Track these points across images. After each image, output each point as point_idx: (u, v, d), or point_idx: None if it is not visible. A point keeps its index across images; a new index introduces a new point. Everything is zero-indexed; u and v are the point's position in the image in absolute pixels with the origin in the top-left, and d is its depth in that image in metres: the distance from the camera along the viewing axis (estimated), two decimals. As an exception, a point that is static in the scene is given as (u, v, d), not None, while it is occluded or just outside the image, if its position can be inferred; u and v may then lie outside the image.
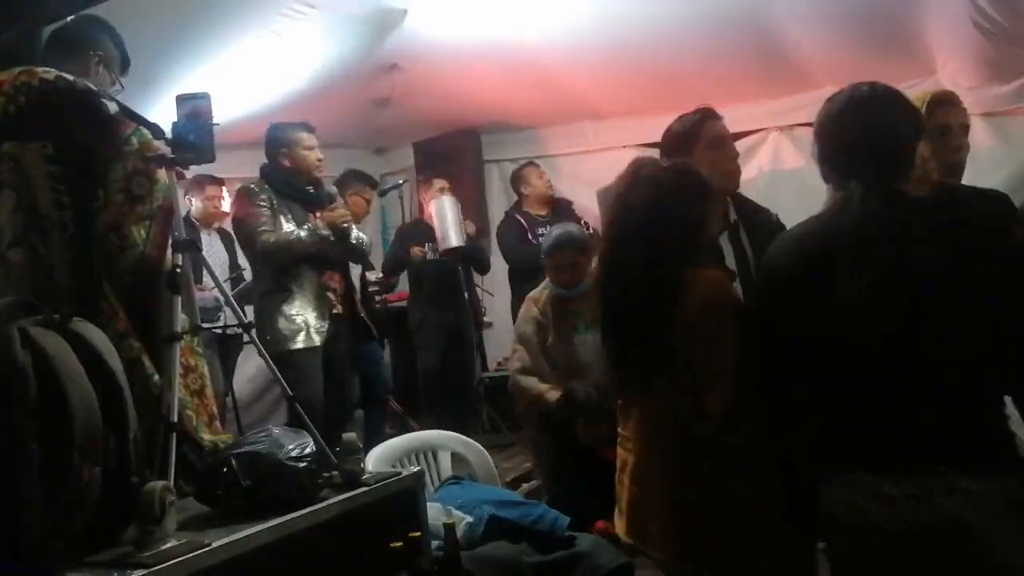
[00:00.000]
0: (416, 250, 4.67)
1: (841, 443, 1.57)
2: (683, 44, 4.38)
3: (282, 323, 3.34)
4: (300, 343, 3.35)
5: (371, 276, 4.61)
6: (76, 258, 1.86)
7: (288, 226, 3.43)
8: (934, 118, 2.13)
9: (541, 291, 3.13)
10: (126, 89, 2.26)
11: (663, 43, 4.39)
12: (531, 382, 3.02)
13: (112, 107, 1.95)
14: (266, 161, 3.60)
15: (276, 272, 3.43)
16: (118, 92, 2.21)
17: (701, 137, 2.35)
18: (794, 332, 1.62)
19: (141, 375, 1.84)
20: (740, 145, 4.49)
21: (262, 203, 3.44)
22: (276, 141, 3.60)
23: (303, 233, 3.40)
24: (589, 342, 2.87)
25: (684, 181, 1.89)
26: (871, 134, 1.63)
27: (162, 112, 3.08)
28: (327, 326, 3.44)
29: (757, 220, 2.27)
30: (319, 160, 3.67)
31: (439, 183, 4.80)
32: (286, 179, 3.54)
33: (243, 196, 3.50)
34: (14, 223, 1.85)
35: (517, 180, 5.07)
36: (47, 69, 1.93)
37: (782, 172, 5.00)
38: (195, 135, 1.87)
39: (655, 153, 5.20)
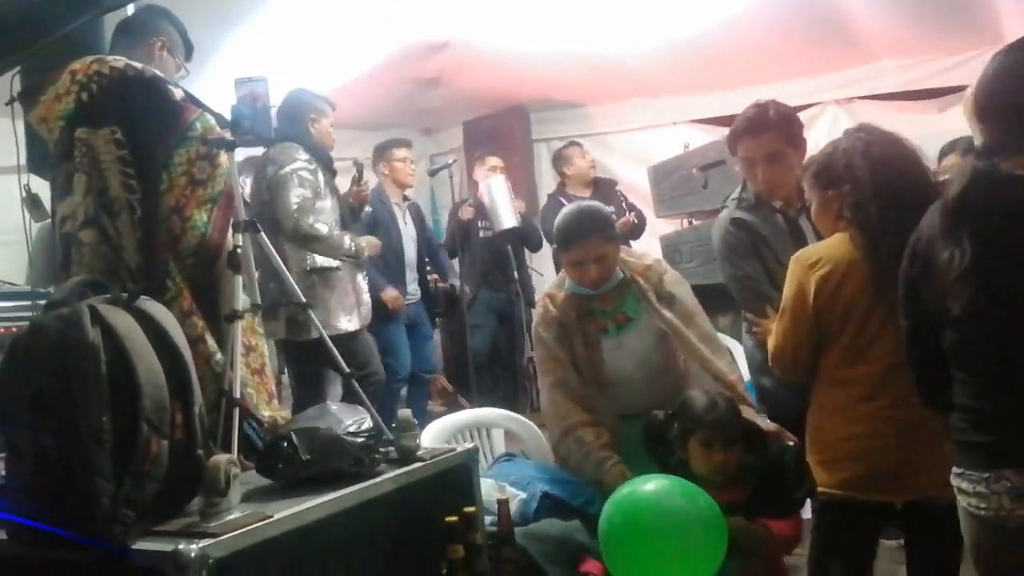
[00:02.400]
0: (464, 209, 4.62)
1: (983, 436, 1.52)
2: (735, 18, 4.30)
3: (334, 303, 3.31)
4: (355, 323, 3.36)
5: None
6: (143, 239, 1.93)
7: (331, 207, 3.33)
8: None
9: (559, 287, 2.42)
10: (190, 73, 2.32)
11: (714, 18, 4.32)
12: (568, 409, 2.26)
13: (178, 93, 2.01)
14: (280, 125, 3.15)
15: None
16: (183, 77, 2.28)
17: (736, 151, 2.40)
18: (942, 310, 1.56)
19: (204, 353, 1.90)
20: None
21: (309, 170, 3.27)
22: (307, 106, 3.43)
23: (347, 241, 3.33)
24: (624, 347, 2.33)
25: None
26: None
27: (213, 89, 3.15)
28: (369, 304, 3.47)
29: None
30: (334, 140, 3.58)
31: (492, 161, 4.79)
32: (317, 148, 3.40)
33: (289, 162, 3.27)
34: (86, 205, 1.93)
35: (559, 160, 5.04)
36: (117, 58, 2.01)
37: (838, 147, 4.88)
38: (252, 118, 1.91)
39: (707, 130, 5.22)
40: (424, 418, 4.58)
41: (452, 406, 5.54)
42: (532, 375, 5.24)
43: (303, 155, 3.28)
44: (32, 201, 3.04)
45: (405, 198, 4.58)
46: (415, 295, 4.47)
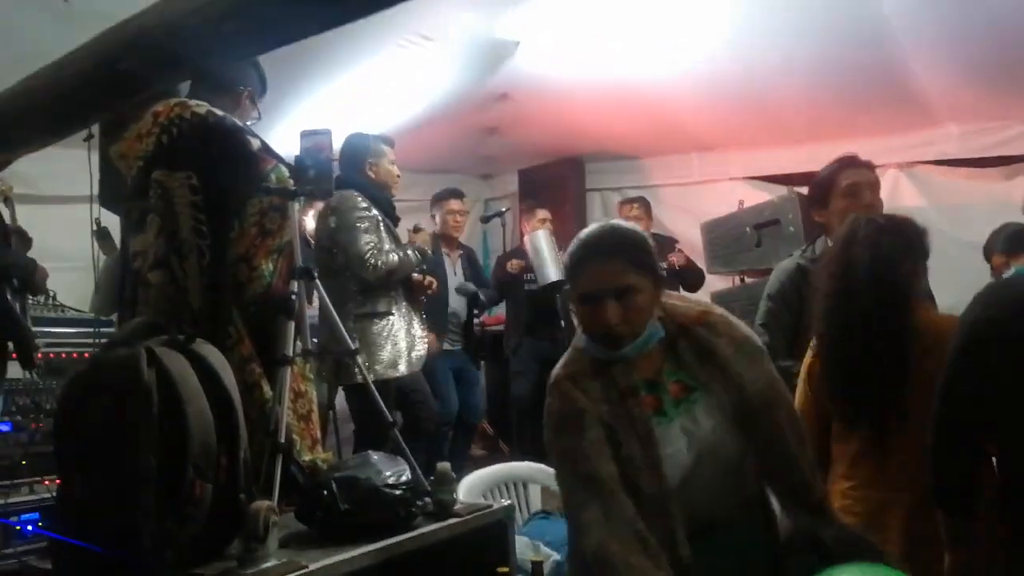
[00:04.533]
0: (511, 264, 4.69)
1: None
2: (796, 79, 4.29)
3: (386, 350, 3.34)
4: (403, 369, 3.38)
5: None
6: (209, 284, 1.96)
7: (391, 243, 3.41)
8: None
9: (574, 360, 1.66)
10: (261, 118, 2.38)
11: (775, 77, 4.31)
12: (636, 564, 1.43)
13: (255, 143, 2.06)
14: (341, 172, 3.32)
15: (373, 294, 3.37)
16: (256, 121, 2.32)
17: (836, 185, 2.36)
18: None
19: (259, 399, 1.94)
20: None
21: (368, 217, 3.35)
22: (363, 150, 3.47)
23: (410, 252, 3.41)
24: (692, 431, 1.57)
25: (899, 236, 1.90)
26: None
27: (279, 136, 3.26)
28: (424, 349, 3.49)
29: None
30: (398, 176, 3.60)
31: (540, 214, 4.83)
32: (376, 192, 3.45)
33: (350, 210, 3.37)
34: (157, 246, 1.97)
35: (619, 209, 5.06)
36: (200, 103, 2.04)
37: (899, 210, 4.75)
38: (315, 169, 1.97)
39: (762, 187, 5.19)
40: (466, 463, 4.62)
41: (492, 450, 5.54)
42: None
43: (362, 202, 3.36)
44: (102, 235, 3.19)
45: (459, 246, 4.63)
46: (459, 343, 4.49)
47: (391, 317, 3.36)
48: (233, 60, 1.98)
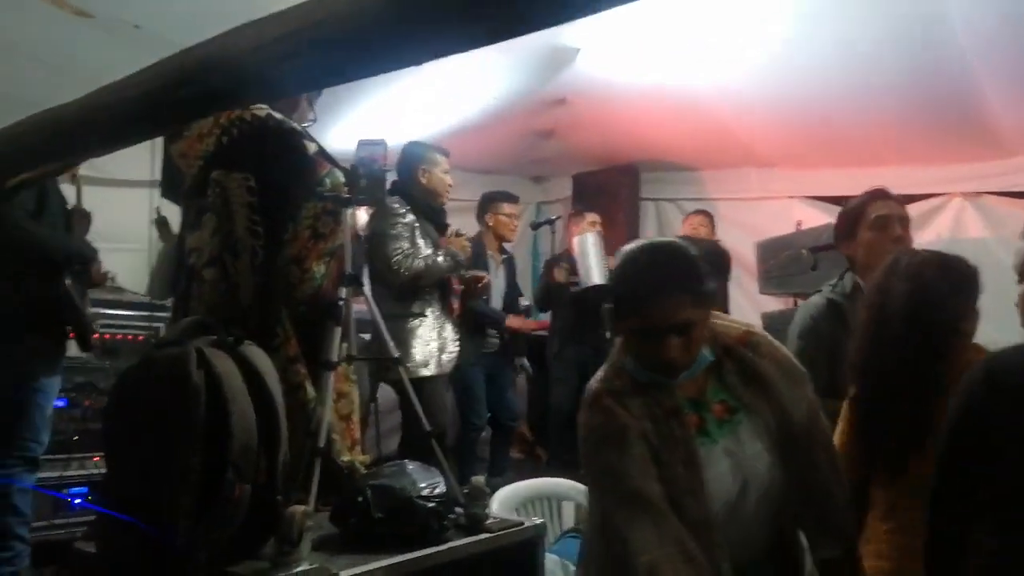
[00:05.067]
0: (558, 271, 4.68)
1: None
2: (863, 101, 4.18)
3: (416, 348, 3.39)
4: (432, 370, 3.41)
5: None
6: (261, 283, 2.01)
7: (426, 249, 3.46)
8: None
9: (615, 375, 1.58)
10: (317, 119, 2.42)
11: (840, 98, 4.21)
12: None
13: (312, 147, 2.09)
14: (397, 178, 3.49)
15: (405, 295, 3.44)
16: (312, 123, 2.35)
17: (865, 217, 2.32)
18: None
19: (302, 399, 1.97)
20: (916, 208, 4.25)
21: (403, 223, 3.43)
22: (416, 158, 3.57)
23: (440, 258, 3.46)
24: (738, 455, 1.51)
25: (944, 272, 1.82)
26: None
27: (335, 137, 3.30)
28: (456, 352, 3.52)
29: None
30: (451, 186, 3.67)
31: (589, 217, 4.80)
32: (424, 198, 3.53)
33: (384, 215, 3.47)
34: (212, 244, 2.02)
35: (684, 221, 5.02)
36: (260, 106, 2.07)
37: (962, 241, 4.66)
38: (368, 179, 1.99)
39: (820, 207, 5.08)
40: (507, 465, 4.64)
41: (529, 455, 5.55)
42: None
43: (400, 208, 3.44)
44: (161, 224, 3.28)
45: (502, 251, 4.65)
46: (495, 346, 4.50)
47: (423, 318, 3.41)
48: (290, 95, 2.03)
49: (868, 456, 1.87)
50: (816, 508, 1.53)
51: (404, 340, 3.34)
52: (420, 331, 3.40)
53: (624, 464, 1.43)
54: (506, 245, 4.65)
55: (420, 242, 3.46)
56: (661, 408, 1.50)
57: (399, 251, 3.36)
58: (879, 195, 2.38)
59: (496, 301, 4.51)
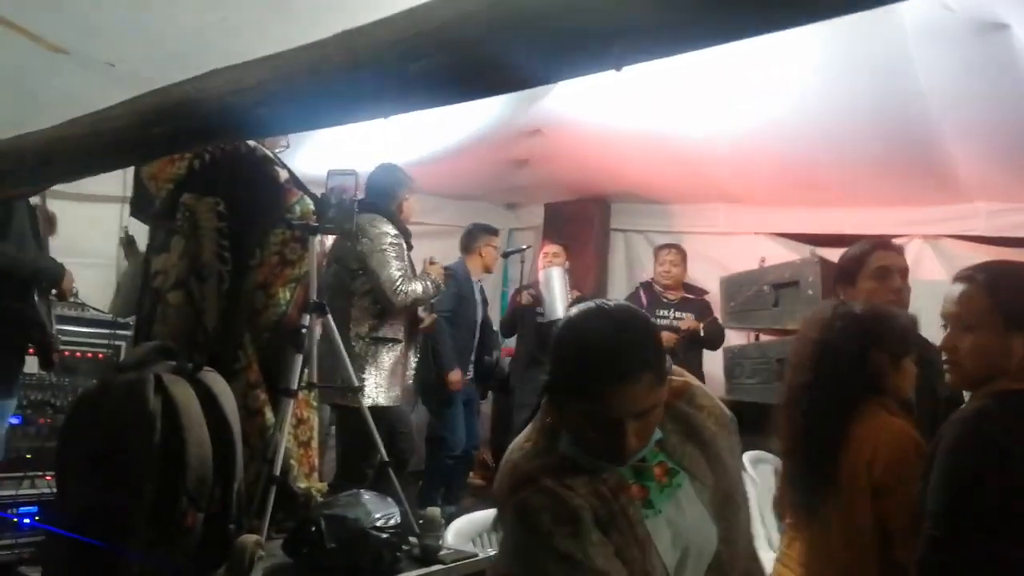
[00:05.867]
0: (524, 294, 4.73)
1: None
2: (828, 143, 4.29)
3: (393, 377, 3.37)
4: (400, 397, 3.41)
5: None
6: (225, 308, 2.03)
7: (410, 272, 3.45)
8: None
9: (546, 453, 1.34)
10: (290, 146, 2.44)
11: (806, 139, 4.31)
12: None
13: (283, 174, 2.12)
14: (373, 199, 3.43)
15: (387, 319, 3.40)
16: (285, 149, 2.38)
17: (867, 266, 2.31)
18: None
19: (260, 425, 1.98)
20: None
21: (395, 244, 3.40)
22: (400, 182, 3.56)
23: (429, 283, 3.47)
24: (680, 519, 1.35)
25: (856, 324, 1.80)
26: None
27: (308, 158, 3.29)
28: (412, 382, 3.55)
29: (927, 356, 2.07)
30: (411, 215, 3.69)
31: (552, 249, 4.87)
32: (399, 220, 3.51)
33: (382, 236, 3.40)
34: (179, 268, 2.04)
35: (657, 253, 5.07)
36: None
37: (920, 282, 4.75)
38: (337, 209, 2.01)
39: (786, 244, 5.18)
40: (465, 492, 4.63)
41: (491, 481, 5.54)
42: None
43: (391, 229, 3.41)
44: (128, 243, 3.26)
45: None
46: (470, 372, 4.53)
47: (400, 345, 3.41)
48: (260, 138, 2.06)
49: (785, 504, 1.91)
50: (745, 562, 1.43)
51: (382, 367, 3.34)
52: (396, 359, 3.40)
53: (587, 552, 1.25)
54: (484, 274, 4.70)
55: (407, 264, 3.44)
56: (607, 485, 1.31)
57: (400, 272, 3.33)
58: (881, 244, 2.37)
59: (477, 327, 4.54)
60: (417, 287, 3.39)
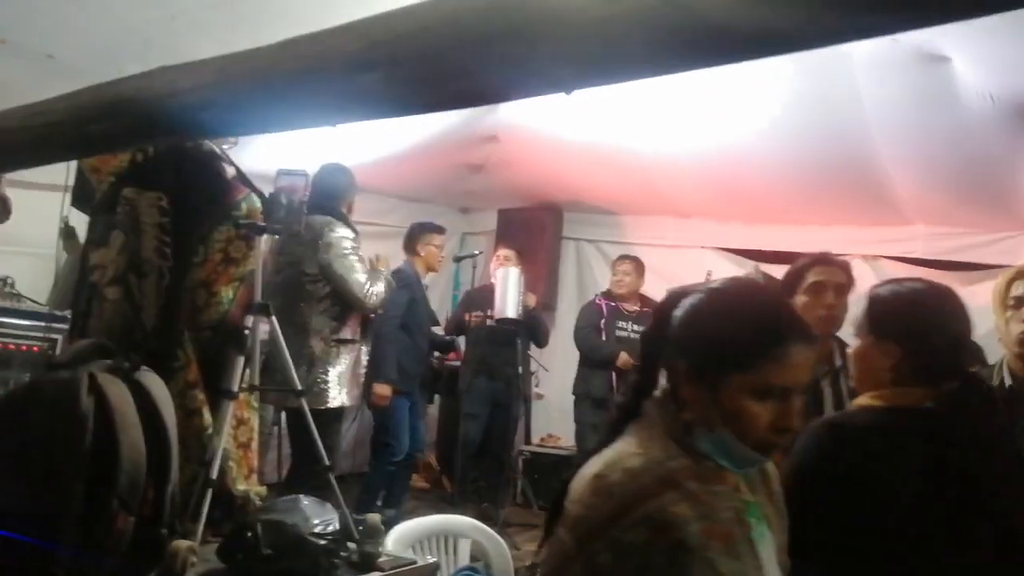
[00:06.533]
0: (471, 316, 4.74)
1: None
2: (772, 162, 4.41)
3: (351, 378, 3.35)
4: (351, 399, 3.39)
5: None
6: (165, 305, 1.98)
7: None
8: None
9: (680, 456, 1.15)
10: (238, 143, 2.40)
11: (752, 159, 4.44)
12: None
13: (230, 171, 2.08)
14: (322, 199, 3.28)
15: (346, 320, 3.37)
16: (233, 146, 2.34)
17: (803, 280, 2.34)
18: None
19: (198, 426, 1.95)
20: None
21: (354, 246, 3.36)
22: (350, 184, 3.52)
23: (387, 281, 3.46)
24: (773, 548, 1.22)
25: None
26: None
27: (256, 155, 3.23)
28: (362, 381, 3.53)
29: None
30: None
31: (507, 252, 4.89)
32: (352, 224, 3.46)
33: (342, 240, 3.34)
34: (117, 263, 1.99)
35: (614, 264, 5.10)
36: None
37: (860, 301, 4.92)
38: (286, 209, 1.99)
39: (733, 259, 5.29)
40: (407, 495, 4.61)
41: (435, 484, 5.53)
42: (520, 469, 5.24)
43: (348, 232, 3.38)
44: (68, 234, 3.18)
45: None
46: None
47: (357, 345, 3.39)
48: (200, 139, 2.02)
49: None
50: None
51: (343, 369, 3.31)
52: (349, 357, 3.36)
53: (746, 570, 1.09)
54: (430, 275, 4.67)
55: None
56: (731, 504, 1.13)
57: (366, 276, 3.31)
58: (820, 260, 2.34)
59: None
60: (381, 286, 3.39)
